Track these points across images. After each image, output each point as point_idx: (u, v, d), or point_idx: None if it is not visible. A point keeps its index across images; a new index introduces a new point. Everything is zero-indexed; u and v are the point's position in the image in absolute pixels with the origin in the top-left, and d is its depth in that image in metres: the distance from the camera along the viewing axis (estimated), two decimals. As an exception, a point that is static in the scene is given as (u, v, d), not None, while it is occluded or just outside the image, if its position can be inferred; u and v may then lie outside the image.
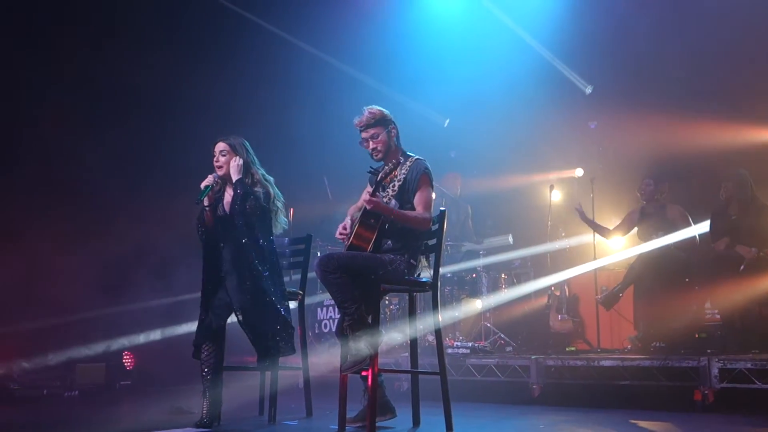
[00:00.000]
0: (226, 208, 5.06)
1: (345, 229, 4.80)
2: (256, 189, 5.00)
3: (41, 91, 8.16)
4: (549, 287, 8.18)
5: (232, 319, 5.01)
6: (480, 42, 9.39)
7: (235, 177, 4.96)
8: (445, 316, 7.79)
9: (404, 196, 4.68)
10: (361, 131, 4.80)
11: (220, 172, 5.05)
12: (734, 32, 8.00)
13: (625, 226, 7.52)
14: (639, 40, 8.85)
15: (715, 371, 5.57)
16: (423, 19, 9.77)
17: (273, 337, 4.88)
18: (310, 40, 9.67)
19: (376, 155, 4.79)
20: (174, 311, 8.35)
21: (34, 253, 7.80)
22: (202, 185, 4.97)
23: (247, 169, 5.04)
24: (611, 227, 7.75)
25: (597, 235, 7.81)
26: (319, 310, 8.71)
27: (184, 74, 8.80)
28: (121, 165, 8.49)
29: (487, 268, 8.46)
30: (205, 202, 5.01)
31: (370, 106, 4.81)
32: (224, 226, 5.03)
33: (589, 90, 9.52)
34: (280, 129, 9.22)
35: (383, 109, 4.82)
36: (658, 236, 7.02)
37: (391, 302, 8.35)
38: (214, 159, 5.08)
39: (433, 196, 4.86)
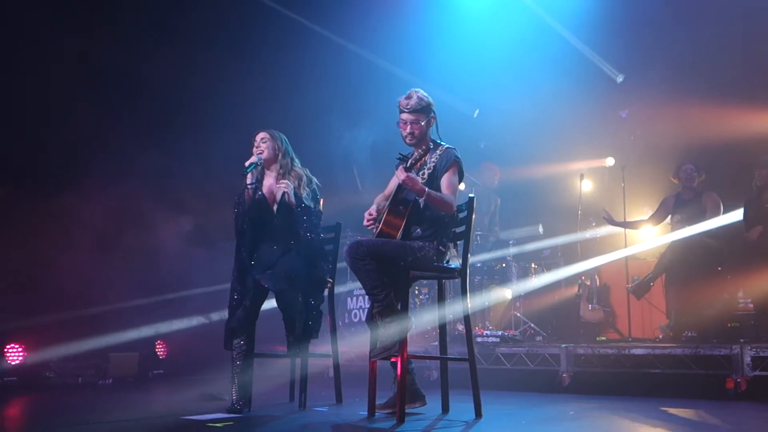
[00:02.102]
0: (266, 191, 5.22)
1: (371, 215, 4.82)
2: (302, 192, 5.13)
3: (62, 81, 8.25)
4: (579, 277, 8.14)
5: (266, 305, 5.12)
6: (510, 31, 9.32)
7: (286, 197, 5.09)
8: (475, 305, 7.80)
9: (434, 184, 4.69)
10: (403, 112, 4.81)
11: (263, 157, 5.21)
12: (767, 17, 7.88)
13: (661, 213, 7.43)
14: (670, 27, 8.74)
15: (747, 359, 5.52)
16: (452, 8, 9.74)
17: (306, 320, 4.96)
18: (339, 31, 9.70)
19: (410, 140, 4.80)
20: (209, 300, 8.44)
21: (69, 244, 7.95)
22: (247, 163, 5.15)
23: (287, 163, 5.23)
24: (646, 217, 7.68)
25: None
26: (349, 299, 8.76)
27: (218, 69, 8.90)
28: (153, 153, 8.61)
29: (517, 257, 8.44)
30: (248, 180, 5.16)
31: (419, 90, 4.82)
32: (262, 208, 5.17)
33: (620, 79, 9.43)
34: (310, 119, 9.26)
35: (429, 97, 4.84)
36: (693, 224, 6.95)
37: (420, 292, 8.37)
38: (255, 146, 5.26)
39: (462, 186, 4.87)
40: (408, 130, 4.79)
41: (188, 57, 8.84)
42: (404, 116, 4.80)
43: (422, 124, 4.78)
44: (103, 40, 8.26)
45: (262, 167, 5.28)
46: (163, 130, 8.87)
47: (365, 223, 4.85)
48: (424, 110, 4.79)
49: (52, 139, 8.17)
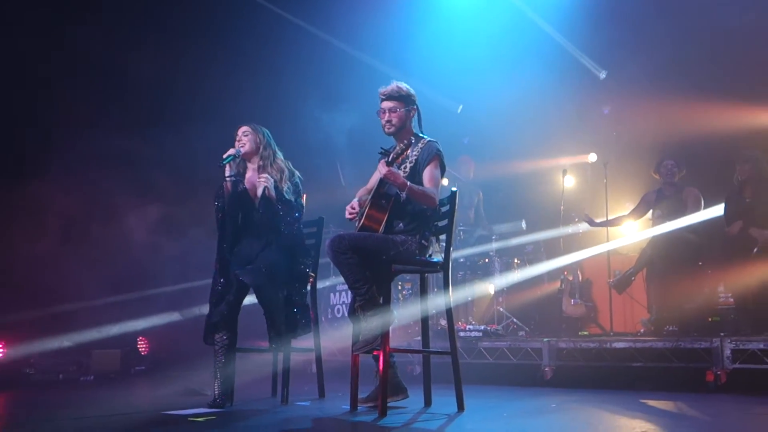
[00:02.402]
0: (247, 184, 5.21)
1: (353, 208, 4.82)
2: (283, 186, 5.11)
3: (47, 80, 8.19)
4: (562, 272, 8.17)
5: (248, 300, 5.11)
6: (493, 27, 9.34)
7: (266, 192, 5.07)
8: (458, 300, 7.82)
9: (415, 178, 4.69)
10: (382, 100, 4.82)
11: (242, 150, 5.20)
12: (748, 14, 7.93)
13: (642, 208, 7.48)
14: (652, 23, 8.79)
15: (727, 352, 5.56)
16: (435, 4, 9.74)
17: (287, 315, 4.96)
18: (322, 26, 9.69)
19: (389, 128, 4.80)
20: (189, 296, 8.41)
21: (51, 240, 7.91)
22: (225, 155, 5.13)
23: (268, 155, 5.21)
24: (626, 212, 7.72)
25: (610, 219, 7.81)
26: (332, 295, 8.76)
27: (202, 63, 8.86)
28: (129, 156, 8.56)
29: (500, 252, 8.47)
30: (227, 172, 5.14)
31: (400, 82, 4.85)
32: (243, 201, 5.19)
33: (603, 75, 9.47)
34: (293, 114, 9.24)
35: (410, 88, 4.86)
36: (674, 219, 6.99)
37: (404, 287, 8.38)
38: (237, 140, 5.24)
39: (444, 181, 4.88)
40: (386, 118, 4.80)
41: (172, 49, 8.77)
42: (383, 104, 4.82)
43: (400, 112, 4.78)
44: (83, 27, 8.15)
45: (244, 160, 5.27)
46: (141, 118, 8.80)
47: (347, 215, 4.85)
48: (402, 99, 4.79)
49: (24, 127, 8.10)
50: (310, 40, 9.65)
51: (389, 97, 4.80)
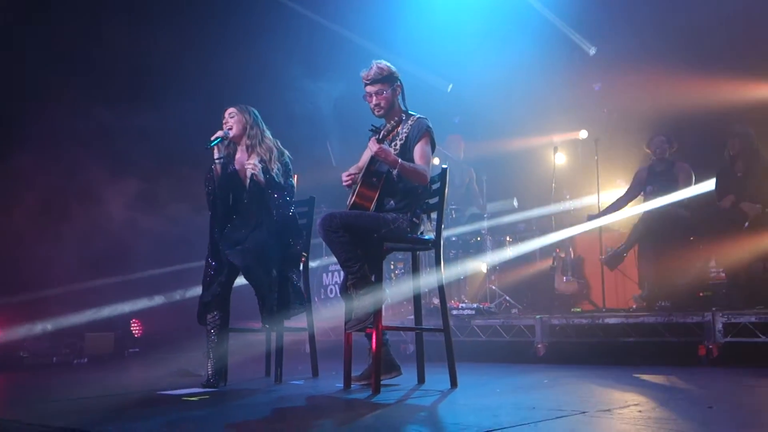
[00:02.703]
0: (237, 165, 5.20)
1: (349, 175, 4.80)
2: (272, 167, 5.07)
3: (38, 70, 8.10)
4: (554, 249, 8.18)
5: (238, 282, 5.10)
6: (481, 4, 9.27)
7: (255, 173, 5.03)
8: (450, 278, 7.83)
9: (406, 155, 4.67)
10: (366, 85, 4.79)
11: (230, 133, 5.16)
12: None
13: (635, 186, 7.47)
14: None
15: (719, 326, 5.59)
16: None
17: (278, 295, 4.95)
18: (310, 4, 9.60)
19: (378, 111, 4.78)
20: (183, 277, 8.40)
21: (42, 221, 7.88)
22: (213, 137, 5.11)
23: (255, 134, 5.17)
24: (621, 193, 7.69)
25: (602, 195, 7.82)
26: (324, 275, 8.77)
27: (186, 44, 8.76)
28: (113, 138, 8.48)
29: (492, 230, 8.46)
30: (215, 154, 5.13)
31: (379, 61, 4.79)
32: (233, 183, 5.18)
33: (592, 51, 9.42)
34: (282, 95, 9.17)
35: (391, 66, 4.80)
36: (665, 194, 7.00)
37: (396, 266, 8.38)
38: (224, 122, 5.21)
39: (435, 160, 4.85)
40: (374, 101, 4.77)
41: (153, 24, 8.68)
42: (367, 89, 4.79)
43: (387, 93, 4.75)
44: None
45: (233, 142, 5.23)
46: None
47: (344, 182, 4.81)
48: (386, 79, 4.76)
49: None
50: (295, 15, 9.55)
51: (373, 80, 4.75)
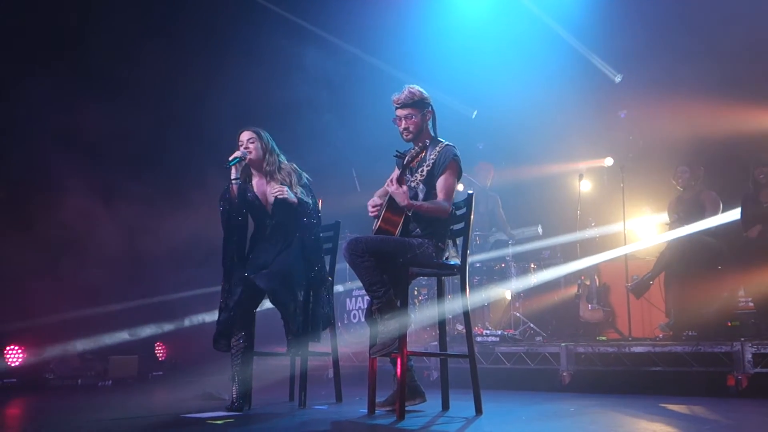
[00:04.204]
0: (257, 192, 5.21)
1: (374, 204, 4.80)
2: (296, 191, 5.09)
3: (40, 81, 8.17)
4: (579, 276, 8.13)
5: (264, 305, 5.11)
6: (507, 32, 9.34)
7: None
8: (475, 305, 7.80)
9: (432, 181, 4.67)
10: (396, 108, 4.80)
11: (249, 156, 5.16)
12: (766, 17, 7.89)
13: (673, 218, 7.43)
14: (668, 25, 8.76)
15: (748, 356, 5.50)
16: (450, 9, 9.76)
17: (304, 319, 4.94)
18: (336, 32, 9.71)
19: (407, 135, 4.79)
20: (207, 301, 8.42)
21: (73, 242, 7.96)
22: (231, 157, 5.10)
23: (274, 161, 5.18)
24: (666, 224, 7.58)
25: (627, 223, 7.78)
26: (348, 300, 8.75)
27: (207, 71, 8.87)
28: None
29: (516, 257, 8.43)
30: (232, 175, 5.12)
31: (411, 85, 4.80)
32: (254, 210, 5.19)
33: (618, 79, 9.44)
34: (308, 122, 9.25)
35: (423, 91, 4.81)
36: (691, 222, 6.94)
37: (420, 292, 8.36)
38: (242, 146, 5.19)
39: (460, 186, 4.85)
40: (403, 125, 4.78)
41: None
42: (397, 112, 4.80)
43: (416, 118, 4.77)
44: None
45: (248, 165, 5.24)
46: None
47: (370, 211, 4.81)
48: (417, 104, 4.77)
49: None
50: (321, 45, 9.65)
51: (404, 104, 4.77)
